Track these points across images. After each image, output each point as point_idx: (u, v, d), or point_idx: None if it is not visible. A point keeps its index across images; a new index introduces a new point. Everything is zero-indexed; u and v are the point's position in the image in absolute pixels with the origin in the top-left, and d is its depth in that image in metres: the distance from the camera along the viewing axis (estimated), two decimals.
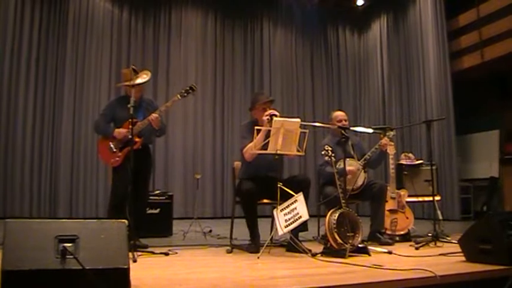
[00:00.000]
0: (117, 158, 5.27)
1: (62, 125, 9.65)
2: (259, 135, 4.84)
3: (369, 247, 4.60)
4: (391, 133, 5.95)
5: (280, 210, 4.52)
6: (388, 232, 5.81)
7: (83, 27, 10.10)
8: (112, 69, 10.17)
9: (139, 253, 4.39)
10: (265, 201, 5.10)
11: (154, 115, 5.18)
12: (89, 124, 9.52)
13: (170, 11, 11.10)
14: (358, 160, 5.76)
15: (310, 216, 4.57)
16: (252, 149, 4.93)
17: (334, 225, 4.43)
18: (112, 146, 5.30)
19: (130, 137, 4.86)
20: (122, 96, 5.61)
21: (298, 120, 4.84)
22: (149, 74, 5.31)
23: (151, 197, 6.43)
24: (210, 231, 6.90)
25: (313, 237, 5.86)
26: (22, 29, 9.48)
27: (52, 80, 9.69)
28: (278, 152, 4.72)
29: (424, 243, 5.13)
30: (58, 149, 9.59)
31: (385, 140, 5.78)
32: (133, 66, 5.34)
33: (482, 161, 10.65)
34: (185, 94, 5.25)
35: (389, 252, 4.66)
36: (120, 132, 5.25)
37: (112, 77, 10.10)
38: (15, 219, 2.67)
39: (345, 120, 5.88)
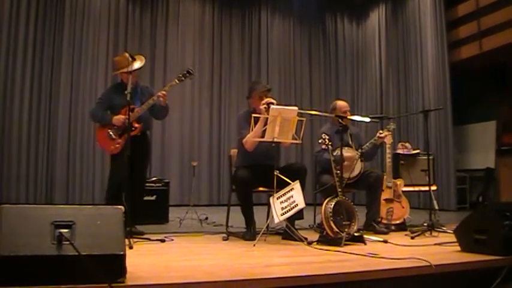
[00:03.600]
0: (117, 145, 5.24)
1: (59, 111, 9.61)
2: (258, 124, 4.85)
3: (365, 236, 4.62)
4: (392, 126, 5.98)
5: (277, 198, 4.53)
6: (384, 221, 5.82)
7: (80, 14, 10.01)
8: (109, 57, 10.10)
9: (135, 240, 4.40)
10: (261, 189, 5.10)
11: (162, 92, 5.15)
12: (86, 111, 9.48)
13: None
14: (356, 150, 5.77)
15: (307, 204, 4.60)
16: (251, 138, 4.93)
17: (330, 214, 4.43)
18: (111, 133, 5.27)
19: (129, 123, 4.84)
20: (118, 84, 5.57)
21: (296, 108, 4.85)
22: (143, 59, 5.31)
23: (147, 184, 6.41)
24: (206, 218, 6.91)
25: (309, 225, 5.89)
26: (18, 17, 9.37)
27: (49, 66, 9.62)
28: (275, 139, 4.73)
29: (419, 232, 5.15)
30: (54, 134, 9.55)
31: (385, 133, 5.79)
32: (127, 54, 5.32)
33: (479, 152, 10.67)
34: (182, 78, 5.22)
35: (385, 241, 4.67)
36: (119, 119, 5.21)
37: (109, 64, 10.04)
38: (11, 204, 2.66)
39: (348, 111, 5.91)
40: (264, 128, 4.77)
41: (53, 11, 9.74)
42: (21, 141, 9.22)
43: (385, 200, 5.93)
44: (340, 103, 6.05)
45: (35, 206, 2.74)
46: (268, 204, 4.97)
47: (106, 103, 5.46)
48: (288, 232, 4.73)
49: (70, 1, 9.92)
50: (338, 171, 4.81)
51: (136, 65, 5.15)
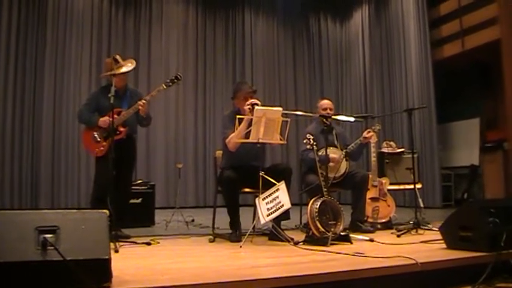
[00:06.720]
0: (102, 148, 5.18)
1: (43, 114, 9.53)
2: (242, 124, 4.83)
3: (351, 235, 4.63)
4: (378, 127, 6.00)
5: (262, 199, 4.53)
6: (370, 220, 5.85)
7: (63, 17, 9.95)
8: (92, 59, 10.07)
9: (121, 243, 4.37)
10: (247, 190, 5.10)
11: (142, 101, 5.11)
12: (70, 114, 9.45)
13: (151, 0, 11.01)
14: (341, 150, 5.78)
15: (292, 204, 4.59)
16: (234, 138, 4.93)
17: (316, 214, 4.44)
18: (96, 135, 5.22)
19: (112, 126, 4.81)
20: (106, 86, 5.51)
21: (280, 109, 4.84)
22: (134, 62, 5.26)
23: (133, 187, 6.35)
24: (193, 220, 6.90)
25: (295, 225, 5.88)
26: (0, 18, 9.30)
27: (32, 69, 9.53)
28: (260, 140, 4.72)
29: (405, 230, 5.16)
30: (39, 139, 9.47)
31: (370, 133, 5.81)
32: (116, 56, 5.28)
33: (463, 149, 10.75)
34: (170, 84, 5.21)
35: (371, 240, 4.69)
36: (105, 121, 5.13)
37: (92, 66, 10.02)
38: None
39: (330, 109, 5.88)
40: (248, 129, 4.76)
41: (35, 13, 9.67)
42: (4, 146, 9.13)
43: (371, 198, 5.96)
44: (322, 101, 6.05)
45: (19, 211, 2.71)
46: (254, 205, 4.96)
47: (93, 105, 5.40)
48: (274, 233, 4.72)
49: (52, 2, 9.85)
50: (323, 171, 4.82)
51: (124, 69, 5.11)
